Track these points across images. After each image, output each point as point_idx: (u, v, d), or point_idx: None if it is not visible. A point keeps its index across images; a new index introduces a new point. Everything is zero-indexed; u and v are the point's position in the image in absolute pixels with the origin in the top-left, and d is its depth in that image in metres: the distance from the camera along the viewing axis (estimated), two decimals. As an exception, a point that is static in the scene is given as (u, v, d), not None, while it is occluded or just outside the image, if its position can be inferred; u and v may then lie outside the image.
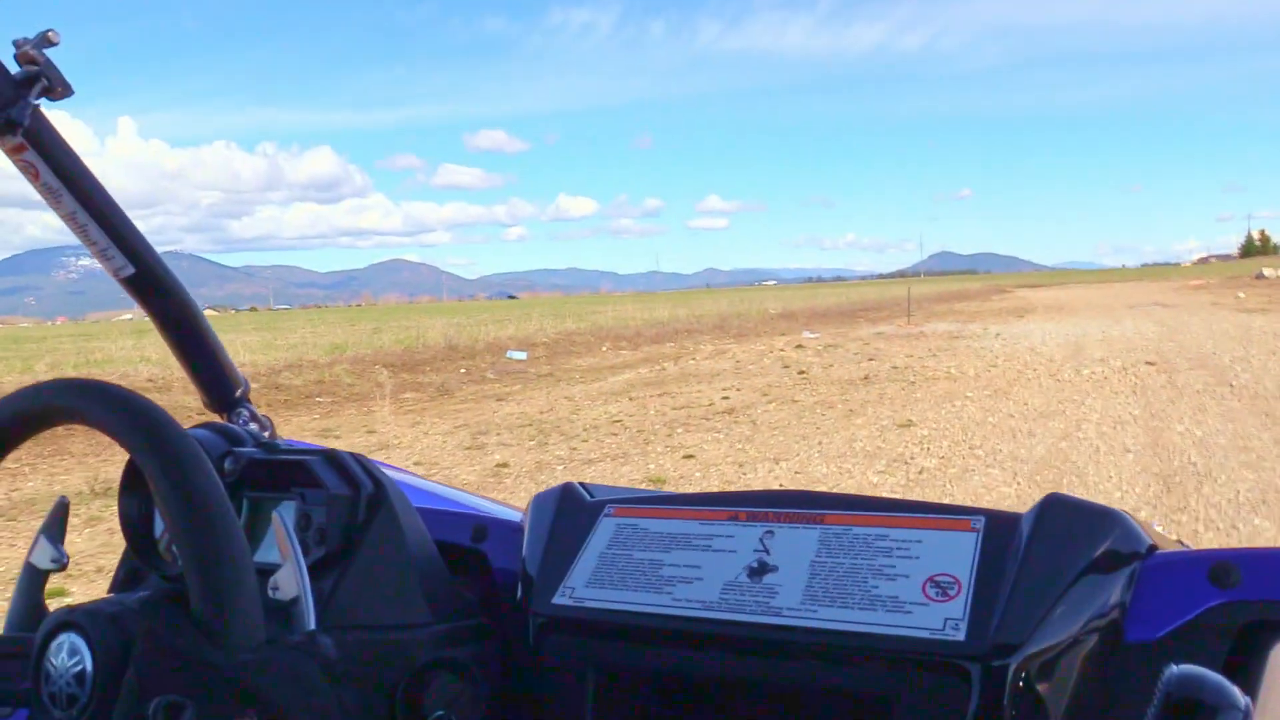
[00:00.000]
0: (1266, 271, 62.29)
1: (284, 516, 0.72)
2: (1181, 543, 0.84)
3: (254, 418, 1.02)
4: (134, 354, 19.09)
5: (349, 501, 0.77)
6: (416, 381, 14.41)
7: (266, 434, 1.01)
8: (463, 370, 15.69)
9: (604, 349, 19.52)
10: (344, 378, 14.25)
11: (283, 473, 0.82)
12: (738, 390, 11.19)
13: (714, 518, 0.82)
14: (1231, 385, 9.29)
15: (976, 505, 0.77)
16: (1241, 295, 34.42)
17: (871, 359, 14.20)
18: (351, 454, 0.81)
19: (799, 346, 17.44)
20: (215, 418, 1.01)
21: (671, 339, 21.83)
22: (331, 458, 0.80)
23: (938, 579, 0.70)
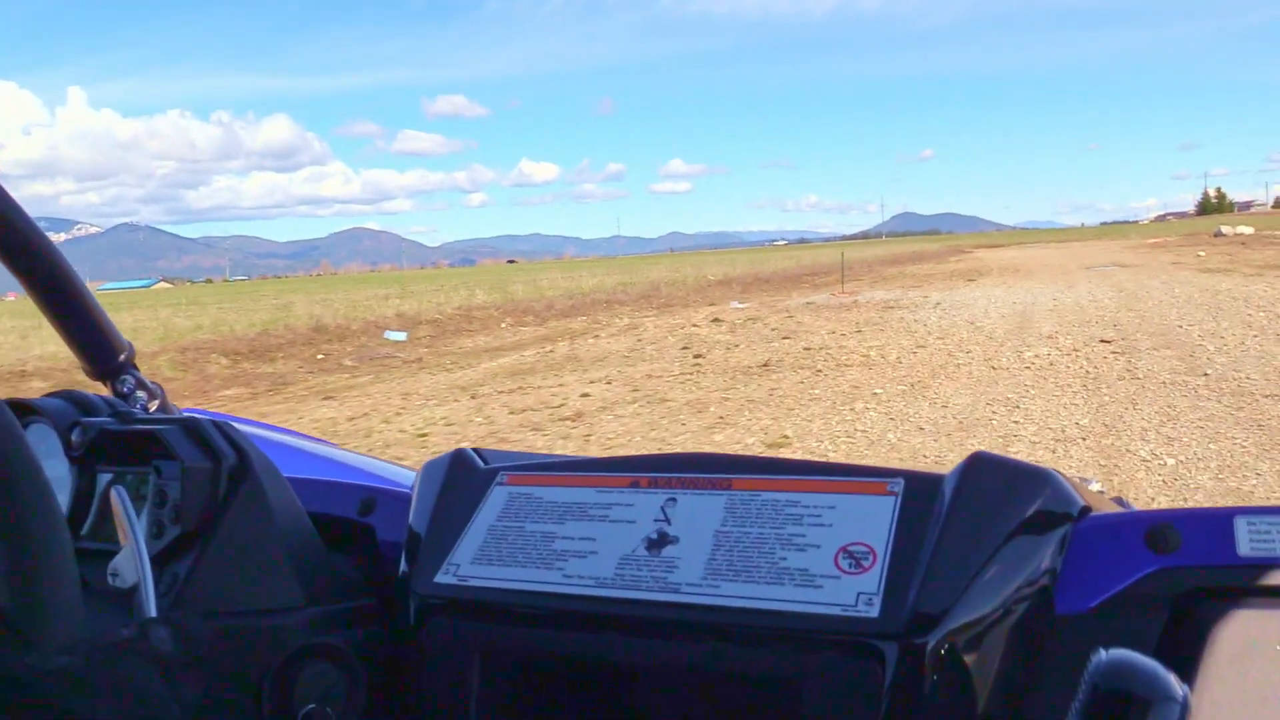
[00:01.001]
0: (1224, 229, 61.32)
1: (123, 492, 0.65)
2: (1120, 502, 0.78)
3: (141, 385, 0.93)
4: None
5: (208, 474, 0.69)
6: (254, 372, 12.22)
7: (155, 403, 0.94)
8: (320, 356, 13.50)
9: (504, 325, 17.40)
10: (165, 370, 12.03)
11: (139, 444, 0.74)
12: (608, 384, 9.15)
13: (613, 484, 0.75)
14: (1206, 375, 7.36)
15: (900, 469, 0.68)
16: (1202, 254, 32.97)
17: (787, 337, 12.19)
18: (214, 421, 0.73)
19: (716, 320, 15.41)
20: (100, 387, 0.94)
21: (588, 312, 19.75)
22: (190, 426, 0.72)
23: (851, 549, 0.65)
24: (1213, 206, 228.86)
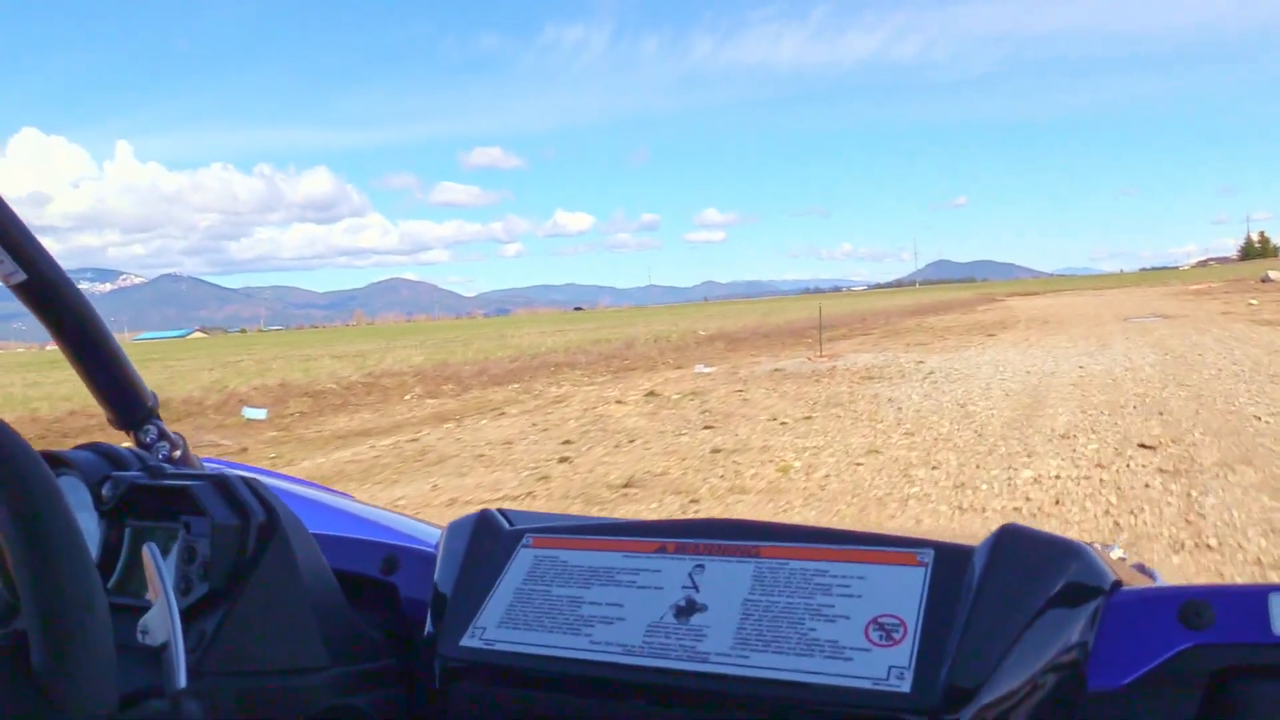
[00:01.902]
0: (1273, 274, 57.36)
1: (155, 549, 0.64)
2: (1143, 569, 0.76)
3: (163, 435, 0.95)
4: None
5: (237, 531, 0.69)
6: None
7: (178, 453, 0.95)
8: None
9: (409, 397, 14.41)
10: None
11: (169, 499, 0.74)
12: (406, 502, 6.01)
13: (641, 549, 0.74)
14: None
15: (930, 539, 0.68)
16: (1254, 302, 29.44)
17: (710, 426, 9.03)
18: (244, 478, 0.73)
19: (652, 394, 12.29)
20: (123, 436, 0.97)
21: (526, 377, 16.72)
22: (220, 483, 0.72)
23: (881, 621, 0.64)
24: (1256, 251, 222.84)
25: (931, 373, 12.57)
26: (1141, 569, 0.77)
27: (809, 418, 9.08)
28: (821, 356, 16.14)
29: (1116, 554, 0.73)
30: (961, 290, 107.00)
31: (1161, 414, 7.87)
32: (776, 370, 14.60)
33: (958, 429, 7.86)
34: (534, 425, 10.22)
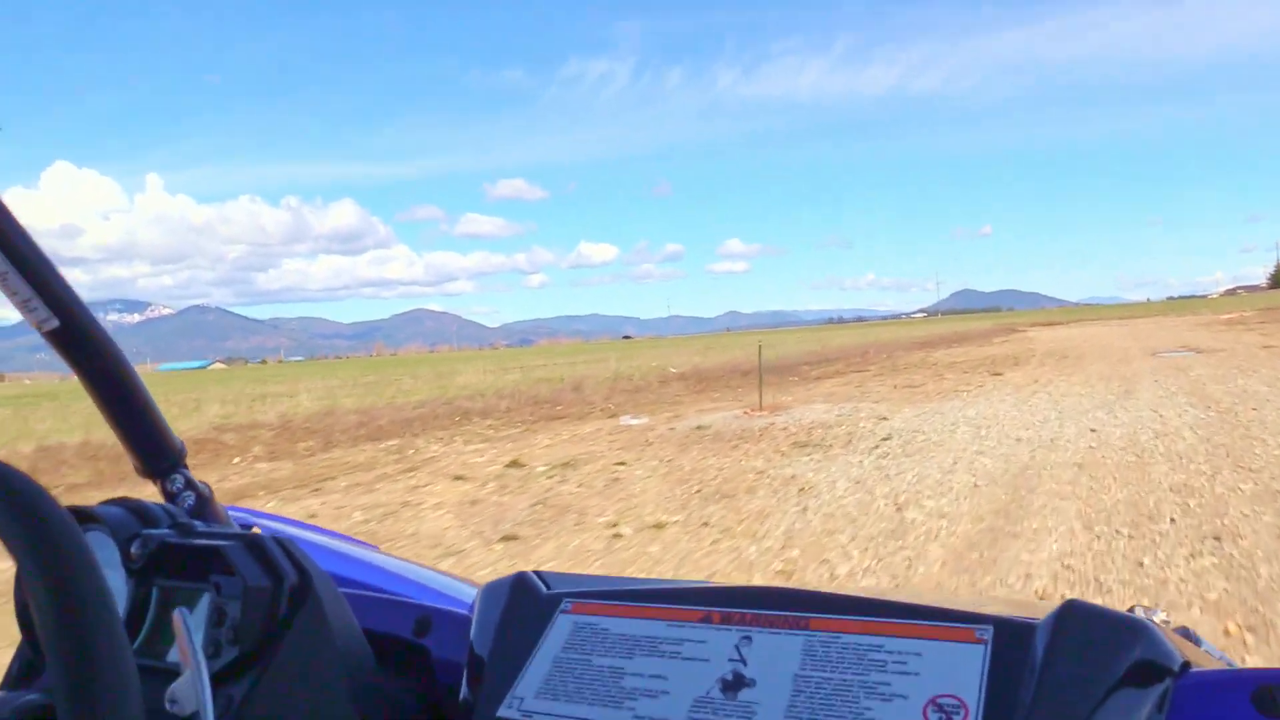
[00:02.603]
0: (1312, 302, 53.93)
1: (187, 615, 0.61)
2: (1188, 634, 0.74)
3: (190, 484, 0.91)
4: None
5: (269, 594, 0.67)
6: None
7: (204, 504, 0.91)
8: None
9: (241, 459, 11.42)
10: None
11: (199, 558, 0.71)
12: None
13: (684, 618, 0.72)
14: None
15: (982, 610, 0.65)
16: (1303, 334, 26.09)
17: (509, 537, 5.94)
18: (276, 538, 0.71)
19: (513, 464, 9.21)
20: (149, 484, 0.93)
21: (422, 428, 13.76)
22: (253, 543, 0.70)
23: (940, 701, 0.61)
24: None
25: (888, 438, 9.32)
26: (1186, 634, 0.72)
27: (660, 525, 5.93)
28: (760, 411, 12.93)
29: (1160, 617, 0.68)
30: (984, 320, 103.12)
31: (1218, 539, 4.69)
32: (699, 428, 11.43)
33: (871, 560, 4.72)
34: (331, 510, 7.21)
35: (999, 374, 17.80)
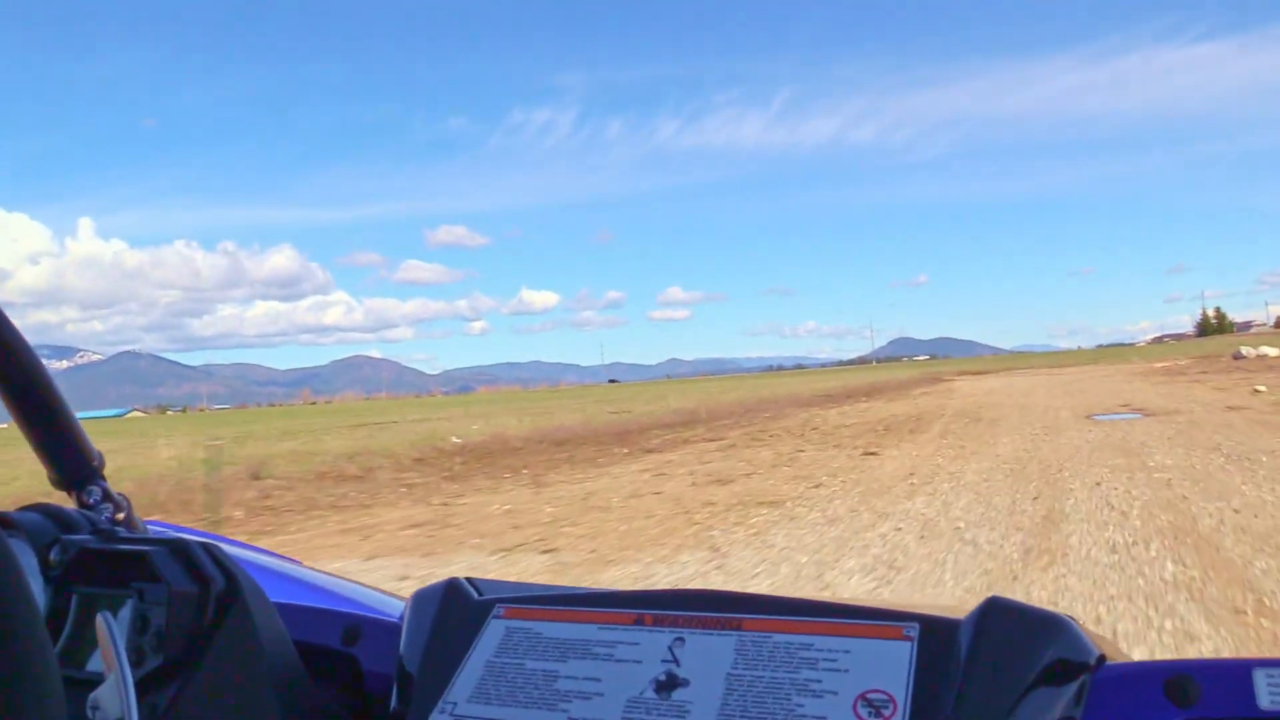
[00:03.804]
0: (1245, 350, 50.61)
1: (110, 619, 0.60)
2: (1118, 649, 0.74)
3: (107, 496, 0.90)
4: None
5: (195, 600, 0.66)
6: None
7: (121, 515, 0.90)
8: None
9: None
10: None
11: (122, 565, 0.70)
12: None
13: (617, 621, 0.72)
14: None
15: (909, 609, 0.67)
16: (1262, 389, 21.67)
17: None
18: (203, 543, 0.70)
19: None
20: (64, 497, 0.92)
21: None
22: (178, 548, 0.68)
23: (870, 696, 0.62)
24: (1213, 327, 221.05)
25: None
26: (1124, 652, 0.75)
27: None
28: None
29: (1102, 632, 0.70)
30: (911, 369, 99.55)
31: None
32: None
33: None
34: None
35: (874, 453, 12.66)
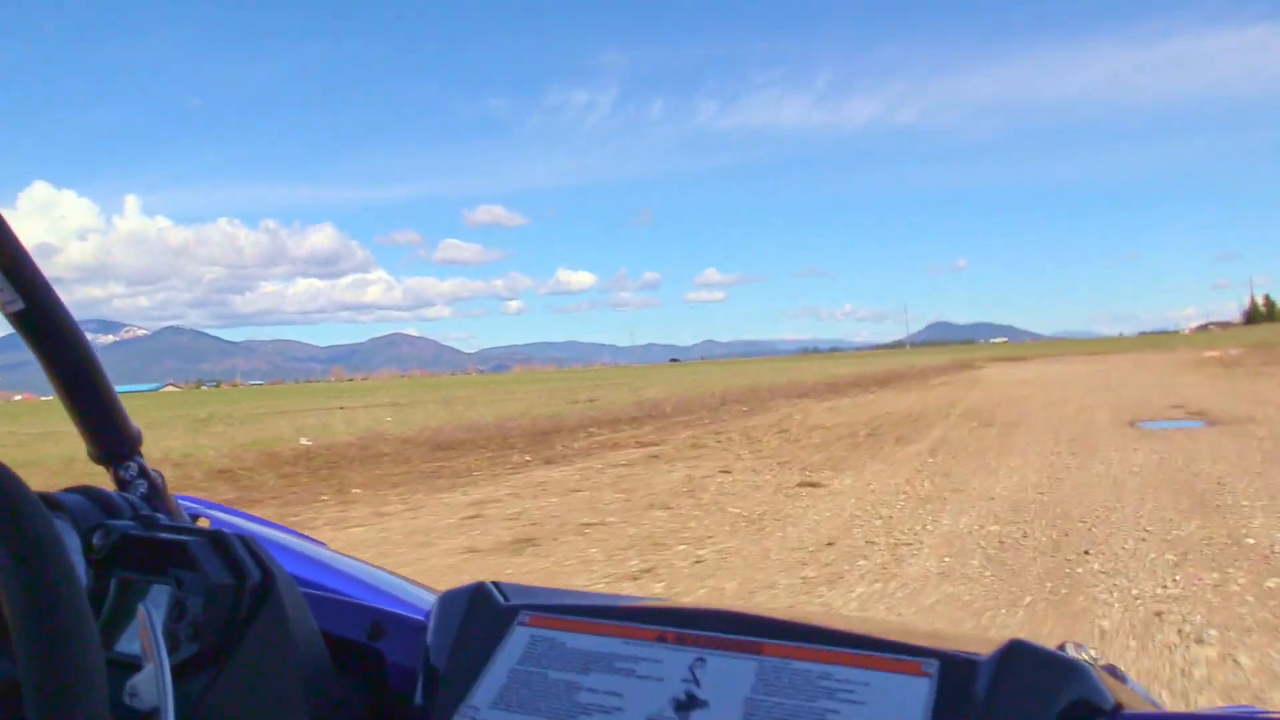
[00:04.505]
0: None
1: (152, 611, 0.61)
2: (1119, 675, 0.75)
3: (143, 472, 0.91)
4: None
5: (231, 592, 0.67)
6: None
7: (157, 493, 0.91)
8: None
9: None
10: None
11: (161, 552, 0.71)
12: None
13: (640, 636, 0.71)
14: None
15: (930, 639, 0.66)
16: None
17: None
18: (242, 537, 0.71)
19: None
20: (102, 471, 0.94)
21: None
22: (217, 540, 0.70)
23: None
24: (1262, 315, 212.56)
25: None
26: (1114, 671, 0.75)
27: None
28: None
29: (1090, 654, 0.70)
30: (944, 354, 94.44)
31: None
32: None
33: None
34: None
35: (815, 484, 8.68)
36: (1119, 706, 0.63)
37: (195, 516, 0.94)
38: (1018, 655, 0.62)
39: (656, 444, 13.66)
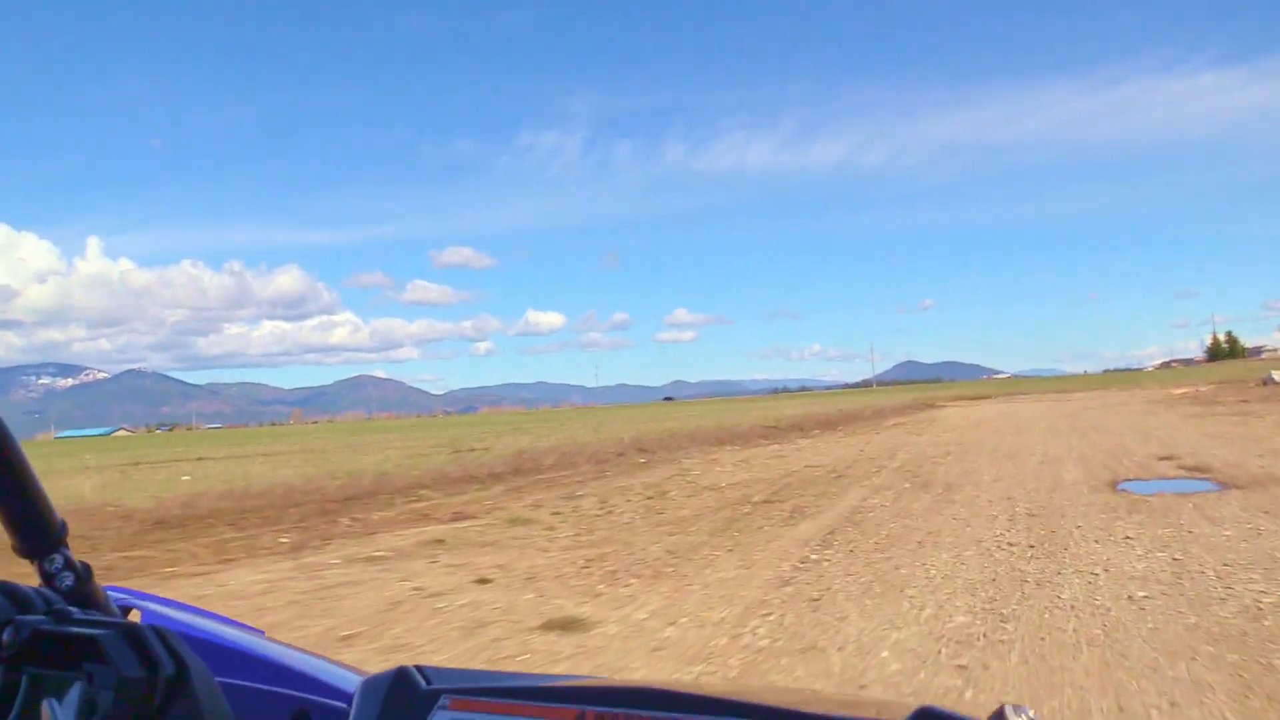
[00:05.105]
0: (1277, 374, 42.93)
1: (55, 706, 0.62)
2: None
3: (69, 564, 0.86)
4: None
5: (143, 685, 0.65)
6: None
7: (84, 584, 0.87)
8: None
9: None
10: None
11: (72, 646, 0.69)
12: None
13: (560, 716, 0.71)
14: None
15: (848, 707, 0.67)
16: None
17: None
18: (155, 628, 0.69)
19: None
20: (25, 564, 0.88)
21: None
22: (130, 632, 0.68)
23: None
24: (1224, 352, 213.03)
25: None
26: None
27: None
28: None
29: (1029, 715, 0.69)
30: (909, 393, 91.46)
31: None
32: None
33: None
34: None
35: (573, 624, 5.03)
36: None
37: (127, 608, 0.90)
38: None
39: (471, 517, 10.01)
